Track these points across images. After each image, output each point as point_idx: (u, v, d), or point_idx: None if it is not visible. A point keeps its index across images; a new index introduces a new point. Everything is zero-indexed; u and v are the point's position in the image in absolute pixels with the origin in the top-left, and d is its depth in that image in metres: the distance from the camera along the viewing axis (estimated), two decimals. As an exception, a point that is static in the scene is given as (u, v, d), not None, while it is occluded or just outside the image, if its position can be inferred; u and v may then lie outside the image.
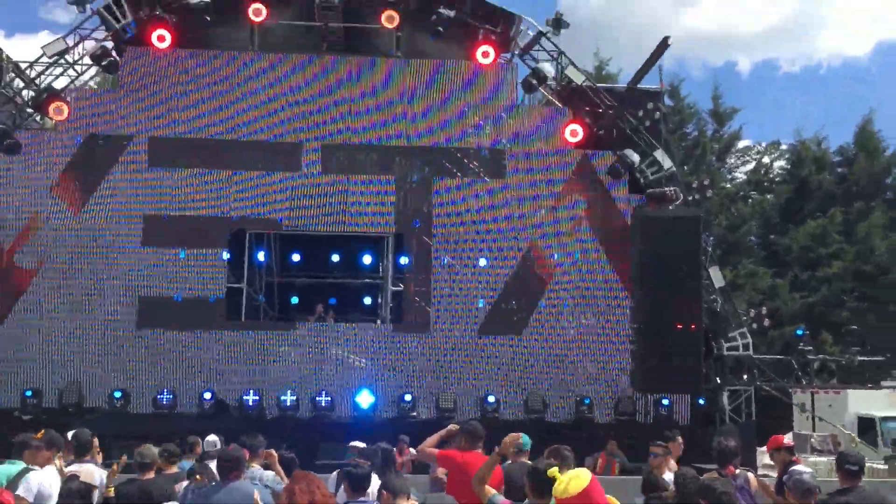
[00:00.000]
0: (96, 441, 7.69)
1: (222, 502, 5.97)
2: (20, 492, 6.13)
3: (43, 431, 6.98)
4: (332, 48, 16.87)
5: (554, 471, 4.34)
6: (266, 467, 7.40)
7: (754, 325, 16.15)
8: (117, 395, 14.86)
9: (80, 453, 7.55)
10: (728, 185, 32.69)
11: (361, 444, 8.19)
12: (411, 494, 5.72)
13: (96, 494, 7.04)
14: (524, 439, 7.51)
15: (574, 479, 4.08)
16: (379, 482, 6.83)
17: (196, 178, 16.11)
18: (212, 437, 9.22)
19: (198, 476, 6.98)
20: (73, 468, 7.18)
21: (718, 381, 15.62)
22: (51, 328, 15.37)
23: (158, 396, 14.98)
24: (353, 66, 16.62)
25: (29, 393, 14.74)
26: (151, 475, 7.28)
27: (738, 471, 7.23)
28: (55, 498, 6.32)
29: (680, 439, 9.23)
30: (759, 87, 57.45)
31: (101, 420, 13.88)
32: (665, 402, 15.33)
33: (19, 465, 6.81)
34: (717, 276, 15.84)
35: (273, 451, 7.62)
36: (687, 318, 14.42)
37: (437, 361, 15.90)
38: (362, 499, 6.47)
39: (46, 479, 6.41)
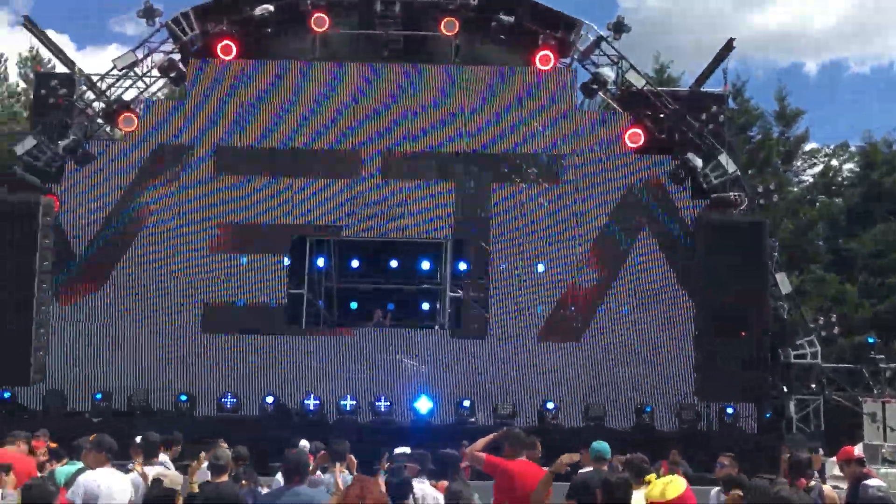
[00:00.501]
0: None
1: (287, 508, 6.00)
2: (68, 493, 6.38)
3: (94, 435, 7.17)
4: (392, 56, 17.01)
5: (651, 476, 4.31)
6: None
7: (823, 333, 15.69)
8: (183, 398, 15.20)
9: (149, 455, 7.73)
10: (794, 189, 31.89)
11: (406, 450, 8.22)
12: (474, 500, 5.73)
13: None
14: (603, 447, 7.39)
15: (671, 484, 4.06)
16: (422, 486, 6.83)
17: (259, 186, 16.40)
18: (303, 443, 9.26)
19: (244, 482, 7.07)
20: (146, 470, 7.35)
21: (785, 390, 15.24)
22: (120, 333, 15.81)
23: (222, 400, 15.27)
24: (413, 73, 16.74)
25: (99, 396, 15.16)
26: (225, 478, 7.28)
27: (812, 483, 7.01)
28: (105, 498, 6.47)
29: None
30: (826, 89, 55.87)
31: (167, 423, 14.18)
32: (729, 410, 15.00)
33: (77, 466, 7.07)
34: (783, 283, 15.46)
35: (352, 458, 7.60)
36: (753, 325, 14.10)
37: (496, 367, 15.87)
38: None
39: (96, 479, 6.57)
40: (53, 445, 8.86)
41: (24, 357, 13.94)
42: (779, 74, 60.66)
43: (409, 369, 15.87)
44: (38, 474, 7.34)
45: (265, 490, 7.27)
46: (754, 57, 58.25)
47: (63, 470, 7.38)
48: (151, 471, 7.38)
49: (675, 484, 4.06)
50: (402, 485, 6.46)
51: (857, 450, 7.85)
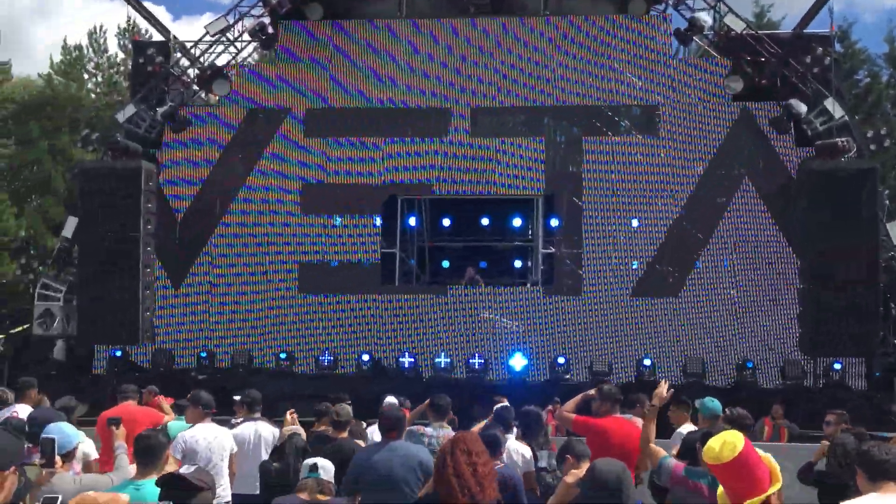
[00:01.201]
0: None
1: (381, 461, 6.04)
2: (170, 448, 6.68)
3: (192, 392, 7.42)
4: (480, 11, 16.73)
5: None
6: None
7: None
8: (283, 356, 15.61)
9: (252, 410, 7.95)
10: (906, 135, 30.09)
11: (394, 399, 8.26)
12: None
13: (267, 446, 7.41)
14: (716, 405, 7.13)
15: (727, 445, 3.73)
16: (513, 443, 6.79)
17: (349, 147, 16.53)
18: (390, 399, 9.34)
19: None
20: (248, 424, 7.56)
21: (897, 345, 14.52)
22: (221, 295, 16.31)
23: (320, 358, 15.62)
24: (501, 27, 16.44)
25: (203, 354, 15.72)
26: (346, 434, 7.24)
27: None
28: (204, 452, 6.67)
29: None
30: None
31: (268, 380, 14.62)
32: (837, 366, 14.41)
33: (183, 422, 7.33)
34: (895, 233, 14.63)
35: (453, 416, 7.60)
36: (862, 277, 13.42)
37: (591, 324, 15.65)
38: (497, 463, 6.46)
39: (193, 434, 6.77)
40: (171, 401, 9.22)
41: (134, 318, 14.51)
42: (889, 15, 57.01)
43: (500, 327, 15.82)
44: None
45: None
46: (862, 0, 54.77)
47: (176, 425, 7.65)
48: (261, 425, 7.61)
49: (731, 442, 3.67)
50: (494, 439, 6.43)
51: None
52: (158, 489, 4.07)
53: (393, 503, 5.96)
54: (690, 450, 5.56)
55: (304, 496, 5.08)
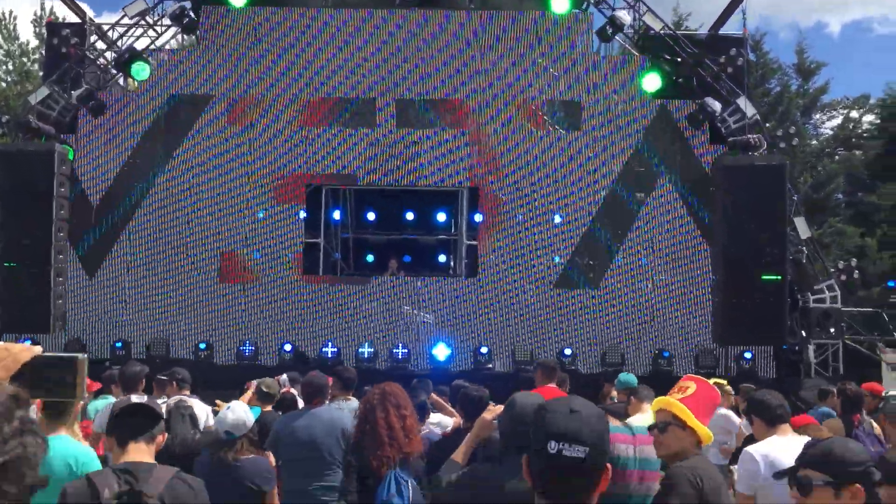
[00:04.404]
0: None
1: (303, 426, 6.03)
2: (95, 425, 6.76)
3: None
4: (406, 2, 16.78)
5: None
6: None
7: (843, 278, 15.52)
8: (202, 346, 15.30)
9: (181, 388, 7.83)
10: (814, 142, 31.50)
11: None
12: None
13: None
14: (629, 377, 7.86)
15: (660, 402, 3.99)
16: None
17: (273, 136, 16.33)
18: (284, 376, 9.26)
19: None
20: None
21: (804, 335, 15.13)
22: (137, 283, 15.90)
23: (241, 348, 15.37)
24: (427, 19, 16.52)
25: (119, 344, 15.29)
26: (269, 408, 7.37)
27: (863, 417, 7.26)
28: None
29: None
30: (848, 49, 54.91)
31: (187, 370, 14.27)
32: (748, 355, 14.97)
33: (109, 399, 7.23)
34: (802, 227, 15.28)
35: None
36: (771, 268, 13.96)
37: (513, 315, 15.86)
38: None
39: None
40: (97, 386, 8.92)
41: (45, 305, 14.00)
42: (801, 34, 59.53)
43: (421, 321, 15.90)
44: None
45: None
46: (776, 16, 57.06)
47: (95, 403, 7.52)
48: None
49: (661, 400, 3.97)
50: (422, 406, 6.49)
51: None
52: (67, 446, 3.97)
53: (313, 469, 5.94)
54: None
55: (221, 455, 5.07)
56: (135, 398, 6.73)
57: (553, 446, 2.03)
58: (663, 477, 3.48)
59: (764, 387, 13.35)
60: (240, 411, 5.21)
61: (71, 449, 4.22)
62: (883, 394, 7.37)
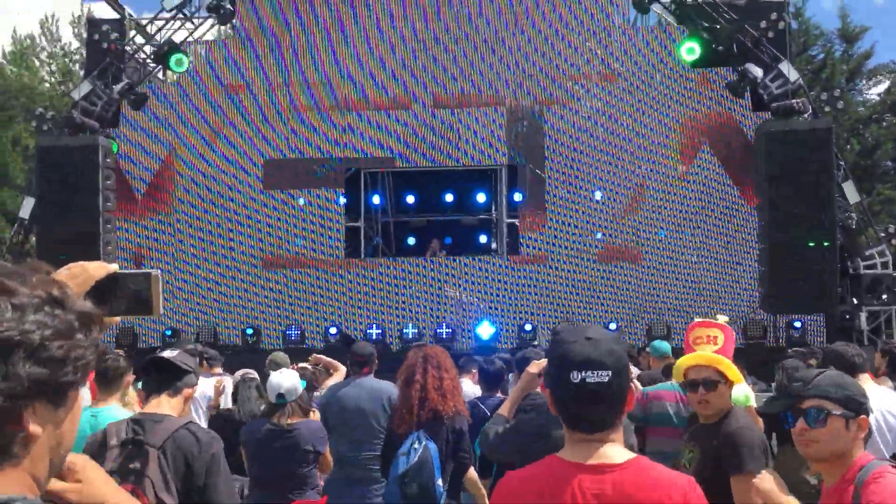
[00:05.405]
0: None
1: (350, 395, 6.06)
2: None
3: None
4: (438, -17, 16.74)
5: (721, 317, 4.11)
6: None
7: (893, 242, 15.15)
8: (249, 332, 15.50)
9: (212, 366, 7.98)
10: (860, 109, 30.70)
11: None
12: None
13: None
14: (663, 345, 7.59)
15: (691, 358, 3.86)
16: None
17: (311, 122, 16.42)
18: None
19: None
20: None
21: (855, 302, 14.80)
22: (184, 272, 16.15)
23: (287, 332, 15.54)
24: (460, 2, 16.44)
25: (168, 332, 15.55)
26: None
27: None
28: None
29: None
30: (893, 12, 53.33)
31: (234, 356, 14.49)
32: (797, 324, 14.69)
33: None
34: (851, 192, 14.93)
35: None
36: (820, 235, 13.66)
37: (557, 292, 15.79)
38: (499, 394, 6.51)
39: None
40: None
41: (95, 296, 14.26)
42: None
43: (464, 304, 15.91)
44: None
45: None
46: (816, -20, 55.50)
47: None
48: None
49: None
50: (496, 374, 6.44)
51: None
52: (115, 415, 4.03)
53: (360, 436, 5.98)
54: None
55: (274, 419, 5.14)
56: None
57: (576, 376, 2.01)
58: (729, 438, 3.41)
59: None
60: (292, 377, 5.27)
61: (118, 418, 4.31)
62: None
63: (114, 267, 1.59)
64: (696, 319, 4.03)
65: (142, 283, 1.66)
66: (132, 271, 1.66)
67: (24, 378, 1.08)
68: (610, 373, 2.01)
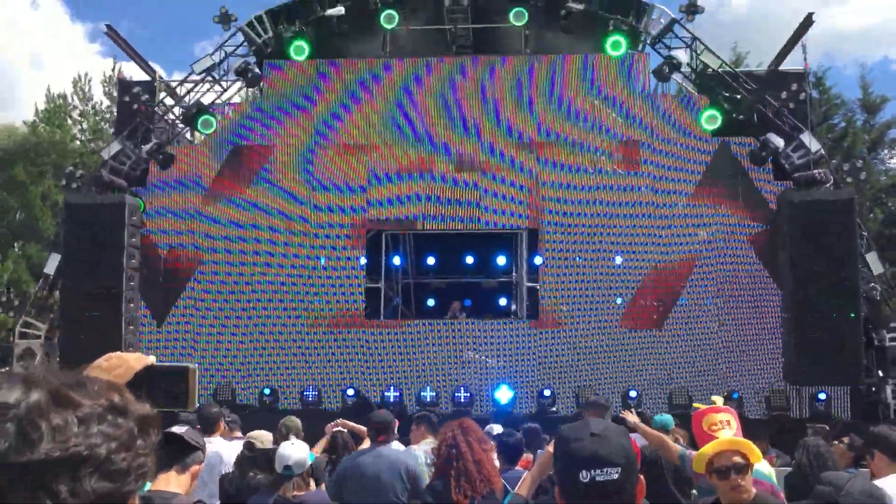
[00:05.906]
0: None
1: (369, 463, 6.03)
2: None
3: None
4: (461, 50, 17.07)
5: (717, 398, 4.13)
6: None
7: (919, 314, 14.97)
8: (266, 392, 15.45)
9: (233, 430, 7.92)
10: (882, 178, 30.68)
11: (498, 428, 8.10)
12: None
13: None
14: (666, 418, 7.54)
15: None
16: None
17: (333, 184, 16.62)
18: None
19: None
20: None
21: (881, 374, 14.57)
22: (203, 330, 16.21)
23: (304, 393, 15.47)
24: (483, 66, 16.75)
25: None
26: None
27: None
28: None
29: None
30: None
31: (252, 415, 14.43)
32: (821, 396, 14.45)
33: None
34: (874, 262, 14.83)
35: None
36: (844, 305, 13.54)
37: (576, 357, 15.67)
38: (518, 467, 6.42)
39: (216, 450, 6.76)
40: None
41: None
42: (864, 69, 58.41)
43: (481, 363, 15.81)
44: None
45: None
46: (839, 53, 56.12)
47: None
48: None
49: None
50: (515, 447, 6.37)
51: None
52: None
53: (378, 506, 5.91)
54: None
55: (279, 493, 5.11)
56: (215, 439, 6.84)
57: (585, 475, 1.99)
58: None
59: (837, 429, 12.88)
60: (302, 449, 5.25)
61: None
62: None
63: (151, 359, 1.61)
64: (698, 407, 3.99)
65: (179, 378, 1.68)
66: (170, 364, 1.69)
67: (90, 493, 1.07)
68: (619, 469, 1.99)
